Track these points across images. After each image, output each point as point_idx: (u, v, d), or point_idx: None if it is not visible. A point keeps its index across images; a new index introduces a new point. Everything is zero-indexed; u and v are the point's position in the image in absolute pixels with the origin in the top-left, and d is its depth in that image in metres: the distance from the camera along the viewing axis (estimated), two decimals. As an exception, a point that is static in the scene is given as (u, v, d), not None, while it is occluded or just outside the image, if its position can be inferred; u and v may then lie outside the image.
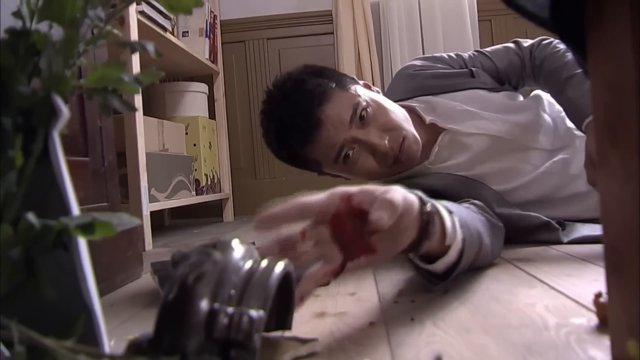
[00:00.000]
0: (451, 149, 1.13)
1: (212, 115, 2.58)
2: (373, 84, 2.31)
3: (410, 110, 1.15)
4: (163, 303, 0.38)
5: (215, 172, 2.50)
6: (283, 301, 0.49)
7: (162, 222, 2.59)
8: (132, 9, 1.56)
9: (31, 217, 0.44)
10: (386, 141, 1.02)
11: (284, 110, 1.04)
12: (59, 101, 0.49)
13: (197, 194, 2.22)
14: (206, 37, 2.46)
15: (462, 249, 0.69)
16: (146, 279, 1.04)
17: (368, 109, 1.03)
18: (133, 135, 1.55)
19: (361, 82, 1.13)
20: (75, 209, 0.50)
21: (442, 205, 0.68)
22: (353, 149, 1.04)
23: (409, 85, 1.24)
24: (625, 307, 0.42)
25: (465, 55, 1.30)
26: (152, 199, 1.69)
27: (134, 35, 1.56)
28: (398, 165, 1.06)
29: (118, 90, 0.54)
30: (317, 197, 0.60)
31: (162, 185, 1.84)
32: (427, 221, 0.62)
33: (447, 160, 1.13)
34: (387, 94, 1.23)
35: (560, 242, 1.05)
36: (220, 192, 2.55)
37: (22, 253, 0.45)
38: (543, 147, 1.14)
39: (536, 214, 1.08)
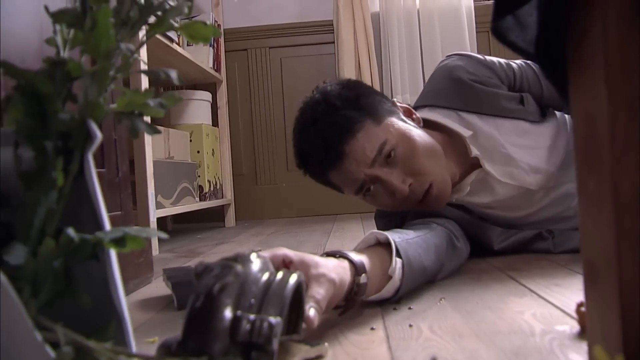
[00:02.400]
0: (478, 187, 1.11)
1: (215, 122, 2.63)
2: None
3: (451, 136, 1.09)
4: (190, 310, 0.43)
5: (218, 178, 2.55)
6: (294, 309, 0.54)
7: (165, 226, 2.64)
8: (141, 21, 1.61)
9: (71, 232, 0.49)
10: (409, 185, 0.96)
11: (310, 136, 0.99)
12: (94, 126, 0.54)
13: (200, 200, 2.27)
14: (210, 46, 2.52)
15: (399, 287, 0.78)
16: (157, 284, 1.09)
17: (396, 149, 0.96)
18: (141, 144, 1.60)
19: (402, 106, 1.07)
20: (107, 222, 0.55)
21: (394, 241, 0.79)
22: (374, 185, 0.99)
23: (459, 93, 1.13)
24: (601, 317, 0.47)
25: (515, 65, 1.19)
26: (158, 205, 1.74)
27: (144, 48, 1.62)
28: (424, 206, 1.02)
29: (144, 114, 0.59)
30: (263, 253, 0.65)
31: (168, 191, 1.89)
32: (356, 292, 0.70)
33: (469, 195, 1.12)
34: (428, 94, 1.17)
35: (551, 252, 1.10)
36: (223, 197, 2.60)
37: (62, 264, 0.50)
38: (564, 185, 1.14)
39: (529, 230, 1.14)
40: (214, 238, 2.05)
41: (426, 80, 1.33)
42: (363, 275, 0.70)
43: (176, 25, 0.62)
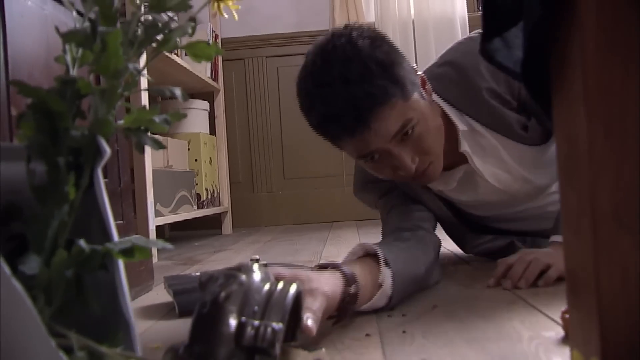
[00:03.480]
0: (463, 183, 1.12)
1: (212, 131, 2.66)
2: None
3: (447, 121, 1.06)
4: (197, 316, 0.46)
5: (215, 186, 2.58)
6: (292, 316, 0.56)
7: (163, 233, 2.67)
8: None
9: (82, 243, 0.52)
10: (415, 165, 0.96)
11: (338, 97, 0.90)
12: (103, 142, 0.57)
13: (198, 208, 2.30)
14: (208, 55, 2.55)
15: (391, 296, 0.82)
16: (157, 291, 1.12)
17: (414, 128, 0.94)
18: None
19: (419, 75, 1.01)
20: (115, 234, 0.58)
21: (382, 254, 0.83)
22: (381, 156, 0.96)
23: (474, 104, 1.07)
24: (582, 323, 0.50)
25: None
26: (157, 214, 1.77)
27: (143, 57, 1.65)
28: (415, 181, 1.03)
29: (150, 130, 0.62)
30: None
31: (167, 200, 1.92)
32: (347, 302, 0.74)
33: (453, 190, 1.13)
34: (443, 79, 1.10)
35: None
36: (220, 205, 2.63)
37: (73, 273, 0.53)
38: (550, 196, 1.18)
39: (503, 238, 1.19)
40: (212, 246, 2.07)
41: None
42: (354, 285, 0.75)
43: (180, 44, 0.66)
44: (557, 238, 1.01)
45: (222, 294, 0.45)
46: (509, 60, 0.60)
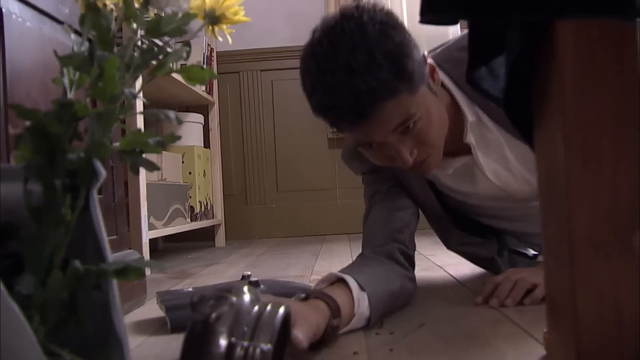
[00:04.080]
0: (461, 173, 1.11)
1: (206, 144, 2.67)
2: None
3: (455, 109, 1.03)
4: (188, 336, 0.48)
5: (209, 198, 2.59)
6: (280, 337, 0.58)
7: (156, 245, 2.67)
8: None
9: (77, 264, 0.53)
10: (413, 157, 0.94)
11: (340, 86, 0.87)
12: (99, 165, 0.59)
13: (191, 220, 2.31)
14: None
15: (369, 316, 0.85)
16: (150, 306, 1.13)
17: (417, 123, 0.92)
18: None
19: (428, 65, 0.97)
20: (109, 254, 0.60)
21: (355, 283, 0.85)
22: (379, 145, 0.95)
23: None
24: (560, 345, 0.52)
25: None
26: (150, 227, 1.78)
27: (138, 81, 1.66)
28: (411, 169, 1.00)
29: (144, 151, 0.64)
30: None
31: (160, 213, 1.93)
32: (330, 332, 0.76)
33: (450, 178, 1.13)
34: (458, 68, 1.04)
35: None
36: (213, 218, 2.64)
37: (67, 293, 0.54)
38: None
39: (488, 246, 1.20)
40: (205, 258, 2.08)
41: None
42: (337, 318, 0.76)
43: (175, 68, 0.67)
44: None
45: (213, 315, 0.47)
46: (494, 88, 0.62)
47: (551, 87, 0.49)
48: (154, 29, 0.66)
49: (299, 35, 2.94)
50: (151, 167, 0.62)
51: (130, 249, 1.37)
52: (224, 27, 0.76)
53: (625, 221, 0.48)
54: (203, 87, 2.57)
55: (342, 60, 0.86)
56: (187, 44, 0.70)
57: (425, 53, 0.96)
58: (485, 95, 0.62)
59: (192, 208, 2.36)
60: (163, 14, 0.70)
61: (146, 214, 1.65)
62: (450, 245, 1.25)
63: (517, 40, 0.54)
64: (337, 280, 0.87)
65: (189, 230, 2.28)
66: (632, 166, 0.48)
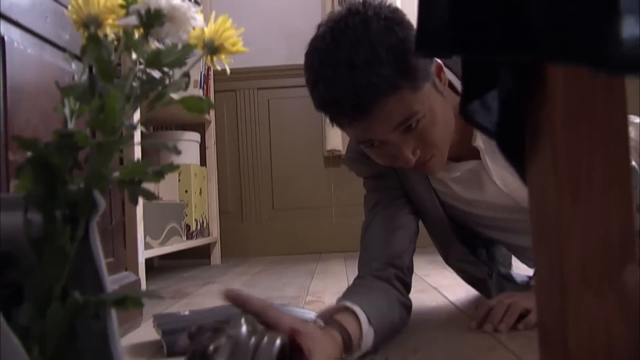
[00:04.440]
0: (468, 177, 1.10)
1: (203, 162, 2.68)
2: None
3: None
4: (186, 369, 0.48)
5: (205, 216, 2.60)
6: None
7: (152, 263, 2.67)
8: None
9: (77, 295, 0.54)
10: (416, 157, 0.94)
11: (340, 82, 0.86)
12: (99, 196, 0.60)
13: (187, 239, 2.32)
14: (200, 88, 2.59)
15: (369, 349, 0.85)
16: (145, 328, 1.13)
17: (420, 121, 0.90)
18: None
19: (436, 63, 0.96)
20: (107, 283, 0.60)
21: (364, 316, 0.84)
22: (381, 143, 0.94)
23: None
24: (553, 377, 0.53)
25: None
26: (146, 246, 1.78)
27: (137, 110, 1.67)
28: (415, 170, 1.01)
29: (143, 181, 0.65)
30: (275, 315, 0.67)
31: (156, 232, 1.94)
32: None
33: (457, 182, 1.12)
34: None
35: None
36: (209, 235, 2.64)
37: (67, 323, 0.55)
38: None
39: (480, 270, 1.19)
40: (201, 277, 2.08)
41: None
42: (348, 352, 0.78)
43: (175, 98, 0.68)
44: None
45: (211, 347, 0.48)
46: (488, 121, 0.63)
47: (542, 125, 0.51)
48: (155, 60, 0.68)
49: (295, 53, 2.97)
50: (150, 196, 0.64)
51: (126, 268, 1.37)
52: (222, 56, 0.77)
53: (616, 256, 0.49)
54: (200, 106, 2.59)
55: (344, 55, 0.85)
56: (187, 74, 0.71)
57: None
58: (478, 128, 0.63)
59: (188, 226, 2.36)
60: (163, 45, 0.71)
61: (142, 233, 1.66)
62: (449, 259, 1.24)
63: (510, 77, 0.55)
64: (346, 308, 0.86)
65: (185, 248, 2.28)
66: (621, 202, 0.49)
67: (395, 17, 0.88)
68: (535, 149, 0.53)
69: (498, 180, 1.07)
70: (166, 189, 2.12)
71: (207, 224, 2.64)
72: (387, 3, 0.91)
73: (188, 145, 2.52)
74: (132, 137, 0.65)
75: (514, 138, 0.58)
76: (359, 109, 0.86)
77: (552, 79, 0.49)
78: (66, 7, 0.97)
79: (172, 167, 0.66)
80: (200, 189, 2.54)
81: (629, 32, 0.30)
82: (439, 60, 0.95)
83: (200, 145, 2.66)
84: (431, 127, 0.92)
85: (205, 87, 2.67)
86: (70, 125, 0.64)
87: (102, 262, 0.61)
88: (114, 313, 0.58)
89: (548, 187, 0.50)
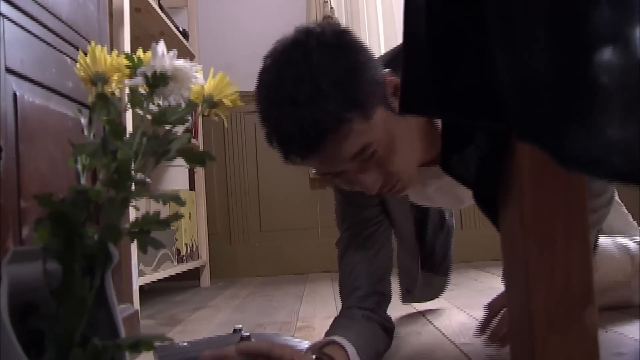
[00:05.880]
0: (444, 190, 1.13)
1: (192, 186, 2.73)
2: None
3: (430, 123, 0.95)
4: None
5: (194, 240, 2.64)
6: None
7: (143, 286, 2.71)
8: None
9: (97, 341, 0.60)
10: (378, 184, 0.90)
11: (285, 119, 0.84)
12: (114, 249, 0.65)
13: (178, 263, 2.36)
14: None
15: None
16: (143, 358, 1.18)
17: (377, 152, 0.86)
18: (126, 217, 1.69)
19: (391, 82, 0.89)
20: (121, 327, 0.66)
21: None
22: (340, 174, 0.91)
23: None
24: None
25: None
26: (140, 273, 1.83)
27: (129, 121, 1.73)
28: (383, 194, 0.97)
29: (151, 230, 0.70)
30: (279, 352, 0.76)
31: (149, 259, 1.99)
32: None
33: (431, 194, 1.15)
34: None
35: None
36: (198, 259, 2.69)
37: (87, 367, 0.60)
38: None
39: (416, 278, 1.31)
40: (192, 301, 2.13)
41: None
42: None
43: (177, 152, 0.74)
44: None
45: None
46: (467, 173, 0.70)
47: (512, 185, 0.57)
48: (160, 119, 0.74)
49: (281, 78, 3.04)
50: (158, 245, 0.69)
51: (122, 297, 1.42)
52: (220, 110, 0.83)
53: (577, 300, 0.56)
54: (188, 131, 2.64)
55: (287, 91, 0.82)
56: (189, 130, 0.77)
57: (387, 70, 0.90)
58: (459, 180, 0.69)
59: (178, 251, 2.41)
60: (165, 101, 0.78)
61: (136, 262, 1.71)
62: (411, 291, 1.35)
63: (485, 139, 0.62)
64: (335, 342, 0.91)
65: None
66: (582, 252, 0.56)
67: (341, 42, 0.85)
68: (506, 204, 0.59)
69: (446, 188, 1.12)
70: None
71: (197, 247, 2.68)
72: (333, 27, 0.87)
73: (177, 171, 2.56)
74: (141, 191, 0.71)
75: (489, 192, 0.65)
76: (307, 147, 0.83)
77: (519, 147, 0.55)
78: (69, 57, 1.04)
79: (177, 217, 0.72)
80: (190, 214, 2.58)
81: (581, 137, 0.36)
82: (392, 78, 0.90)
83: (189, 170, 2.71)
84: (390, 155, 0.87)
85: (193, 114, 2.72)
86: (83, 180, 0.70)
87: (116, 308, 0.67)
88: (127, 355, 0.64)
89: (517, 239, 0.57)
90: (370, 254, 1.11)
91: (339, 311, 1.08)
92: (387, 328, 1.06)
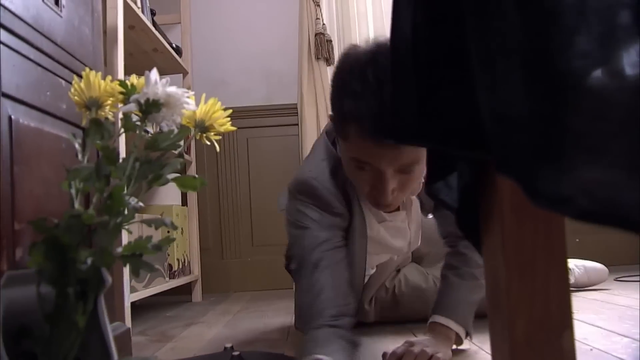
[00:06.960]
0: (398, 228, 1.35)
1: (184, 201, 2.74)
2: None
3: None
4: None
5: (186, 255, 2.65)
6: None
7: (134, 301, 2.71)
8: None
9: (90, 364, 0.61)
10: (393, 195, 1.05)
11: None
12: (106, 273, 0.67)
13: (170, 278, 2.37)
14: (181, 129, 2.66)
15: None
16: (135, 376, 1.19)
17: (415, 171, 1.03)
18: (118, 239, 1.70)
19: None
20: (113, 350, 0.67)
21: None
22: (372, 170, 1.04)
23: None
24: None
25: None
26: (131, 290, 1.83)
27: (122, 145, 1.74)
28: (376, 205, 1.15)
29: (143, 254, 0.72)
30: None
31: (141, 275, 1.99)
32: None
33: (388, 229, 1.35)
34: None
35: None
36: (190, 274, 2.69)
37: (80, 390, 0.62)
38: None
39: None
40: (183, 317, 2.13)
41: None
42: None
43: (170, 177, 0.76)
44: (436, 318, 1.14)
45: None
46: (451, 199, 0.72)
47: (493, 212, 0.59)
48: (153, 145, 0.75)
49: (273, 94, 3.07)
50: (151, 269, 0.71)
51: (113, 315, 1.43)
52: (212, 134, 0.85)
53: (556, 324, 0.58)
54: (181, 147, 2.66)
55: (373, 101, 0.97)
56: (181, 155, 0.79)
57: None
58: (443, 205, 0.71)
59: (170, 266, 2.41)
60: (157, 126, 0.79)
61: (128, 279, 1.71)
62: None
63: (468, 168, 0.64)
64: None
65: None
66: (560, 279, 0.58)
67: None
68: (487, 231, 0.61)
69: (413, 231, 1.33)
70: (149, 231, 2.17)
71: (189, 262, 2.69)
72: None
73: (169, 186, 2.57)
74: (134, 216, 0.72)
75: (472, 219, 0.67)
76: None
77: (500, 177, 0.57)
78: (64, 79, 1.05)
79: (169, 240, 0.73)
80: (182, 229, 2.59)
81: (553, 176, 0.38)
82: None
83: (181, 185, 2.72)
84: (414, 179, 1.04)
85: (199, 177, 2.75)
86: (76, 204, 0.71)
87: (109, 330, 0.68)
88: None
89: (499, 265, 0.59)
90: (340, 275, 1.17)
91: (308, 328, 1.08)
92: (356, 344, 1.09)
